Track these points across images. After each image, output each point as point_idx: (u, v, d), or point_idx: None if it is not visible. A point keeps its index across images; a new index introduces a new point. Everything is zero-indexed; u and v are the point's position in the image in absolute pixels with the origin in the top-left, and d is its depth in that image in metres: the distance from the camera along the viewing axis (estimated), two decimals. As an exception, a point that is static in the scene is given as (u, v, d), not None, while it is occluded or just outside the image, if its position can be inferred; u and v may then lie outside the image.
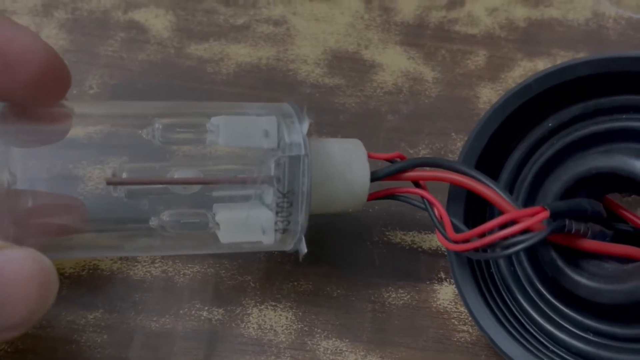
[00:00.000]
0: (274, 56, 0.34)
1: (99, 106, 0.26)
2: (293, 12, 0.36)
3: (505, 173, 0.27)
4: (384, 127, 0.33)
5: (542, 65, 0.36)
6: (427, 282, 0.28)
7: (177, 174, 0.23)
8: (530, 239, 0.22)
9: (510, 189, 0.27)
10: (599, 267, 0.23)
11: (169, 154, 0.23)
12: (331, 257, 0.28)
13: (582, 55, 0.38)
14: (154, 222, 0.23)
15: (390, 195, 0.25)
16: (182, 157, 0.23)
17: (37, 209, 0.21)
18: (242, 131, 0.23)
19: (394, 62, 0.35)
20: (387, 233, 0.29)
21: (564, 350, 0.24)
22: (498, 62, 0.36)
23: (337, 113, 0.33)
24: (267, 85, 0.34)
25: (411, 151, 0.32)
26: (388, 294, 0.28)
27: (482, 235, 0.23)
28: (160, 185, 0.22)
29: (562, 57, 0.37)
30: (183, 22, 0.35)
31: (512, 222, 0.22)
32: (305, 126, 0.23)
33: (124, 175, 0.22)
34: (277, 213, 0.22)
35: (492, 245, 0.23)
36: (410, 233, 0.29)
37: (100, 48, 0.34)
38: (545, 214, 0.22)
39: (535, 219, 0.22)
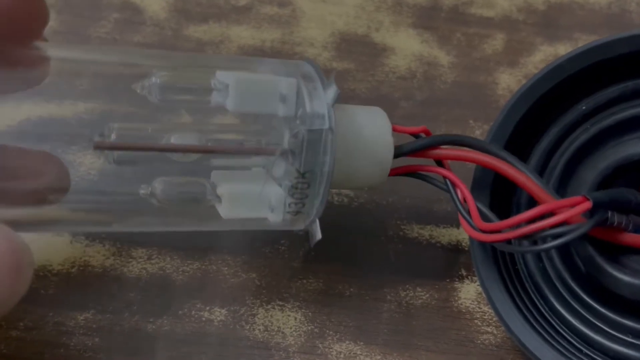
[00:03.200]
0: (278, 39, 0.32)
1: (87, 51, 0.22)
2: (298, -7, 0.34)
3: (534, 160, 0.24)
4: (397, 114, 0.31)
5: (563, 50, 0.34)
6: (447, 280, 0.26)
7: (175, 139, 0.20)
8: (571, 233, 0.20)
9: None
10: (633, 260, 0.21)
11: (166, 112, 0.21)
12: (342, 253, 0.26)
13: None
14: (144, 190, 0.20)
15: (412, 173, 0.23)
16: (181, 118, 0.20)
17: (6, 169, 0.18)
18: (255, 93, 0.20)
19: (407, 46, 0.33)
20: (402, 227, 0.27)
21: (599, 353, 0.22)
22: (517, 46, 0.33)
23: (347, 99, 0.31)
24: (271, 70, 0.31)
25: (427, 140, 0.30)
26: (405, 293, 0.26)
27: (514, 226, 0.21)
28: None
29: (585, 42, 0.34)
30: (181, 3, 0.33)
31: (549, 214, 0.20)
32: (332, 94, 0.20)
33: (113, 138, 0.19)
34: (291, 194, 0.20)
35: (524, 238, 0.21)
36: (428, 227, 0.27)
37: (92, 30, 0.31)
38: (588, 204, 0.19)
39: (576, 210, 0.19)
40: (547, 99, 0.23)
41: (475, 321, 0.25)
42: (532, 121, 0.24)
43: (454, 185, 0.23)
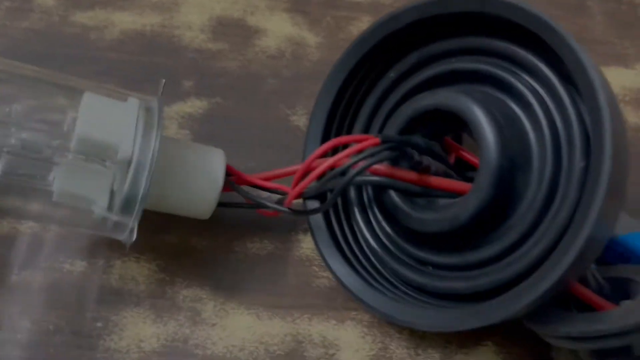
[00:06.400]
0: (159, 23, 0.35)
1: None
2: (181, -18, 0.37)
3: (359, 124, 0.28)
4: (264, 90, 0.33)
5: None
6: (293, 233, 0.29)
7: (26, 135, 0.23)
8: (367, 161, 0.23)
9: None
10: (432, 202, 0.24)
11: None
12: (200, 211, 0.29)
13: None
14: None
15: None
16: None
17: None
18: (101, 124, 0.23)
19: (279, 28, 0.36)
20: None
21: (407, 285, 0.25)
22: (381, 27, 0.36)
23: (218, 76, 0.34)
24: (150, 51, 0.34)
25: (288, 111, 0.33)
26: (252, 244, 0.28)
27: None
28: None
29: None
30: (71, -9, 0.36)
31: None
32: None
33: None
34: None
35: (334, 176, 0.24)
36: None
37: (-16, 17, 0.34)
38: (376, 140, 0.22)
39: (366, 143, 0.22)
40: (361, 69, 0.27)
41: (314, 267, 0.28)
42: (353, 89, 0.27)
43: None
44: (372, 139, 0.23)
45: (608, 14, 0.40)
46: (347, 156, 0.23)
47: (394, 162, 0.23)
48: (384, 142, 0.23)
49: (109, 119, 0.24)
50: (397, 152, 0.23)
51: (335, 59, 0.36)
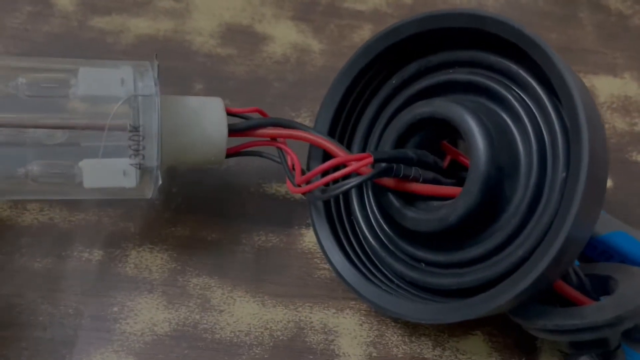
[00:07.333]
0: (171, 29, 0.37)
1: None
2: (193, -11, 0.39)
3: (361, 128, 0.30)
4: (270, 93, 0.35)
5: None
6: (296, 227, 0.31)
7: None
8: (356, 180, 0.25)
9: (365, 142, 0.30)
10: (427, 204, 0.26)
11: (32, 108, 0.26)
12: (209, 207, 0.31)
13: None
14: (21, 171, 0.25)
15: (250, 150, 0.28)
16: (44, 108, 0.25)
17: None
18: (100, 81, 0.25)
19: (285, 35, 0.38)
20: (263, 185, 0.32)
21: (401, 279, 0.27)
22: (381, 35, 0.39)
23: (227, 80, 0.36)
24: (163, 55, 0.36)
25: (293, 114, 0.35)
26: (259, 238, 0.30)
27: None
28: (22, 134, 0.24)
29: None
30: (89, -2, 0.38)
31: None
32: (156, 72, 0.25)
33: None
34: (130, 147, 0.25)
35: (328, 187, 0.26)
36: (285, 185, 0.32)
37: (7, 20, 0.36)
38: (370, 159, 0.25)
39: (360, 164, 0.25)
40: (365, 75, 0.28)
41: (315, 260, 0.30)
42: (356, 96, 0.29)
43: (285, 152, 0.28)
44: (366, 159, 0.25)
45: (598, 25, 0.42)
46: (341, 176, 0.25)
47: (385, 173, 0.25)
48: (376, 160, 0.25)
49: (107, 80, 0.26)
50: (391, 170, 0.25)
51: (338, 65, 0.38)
